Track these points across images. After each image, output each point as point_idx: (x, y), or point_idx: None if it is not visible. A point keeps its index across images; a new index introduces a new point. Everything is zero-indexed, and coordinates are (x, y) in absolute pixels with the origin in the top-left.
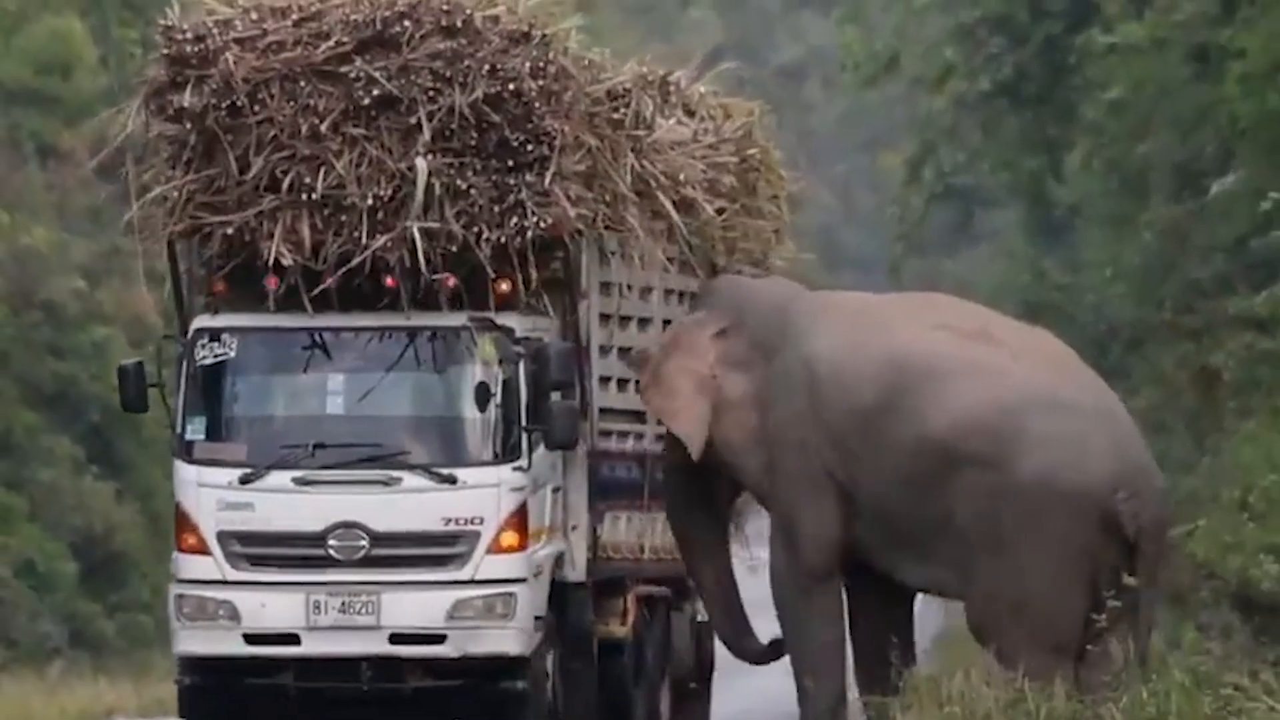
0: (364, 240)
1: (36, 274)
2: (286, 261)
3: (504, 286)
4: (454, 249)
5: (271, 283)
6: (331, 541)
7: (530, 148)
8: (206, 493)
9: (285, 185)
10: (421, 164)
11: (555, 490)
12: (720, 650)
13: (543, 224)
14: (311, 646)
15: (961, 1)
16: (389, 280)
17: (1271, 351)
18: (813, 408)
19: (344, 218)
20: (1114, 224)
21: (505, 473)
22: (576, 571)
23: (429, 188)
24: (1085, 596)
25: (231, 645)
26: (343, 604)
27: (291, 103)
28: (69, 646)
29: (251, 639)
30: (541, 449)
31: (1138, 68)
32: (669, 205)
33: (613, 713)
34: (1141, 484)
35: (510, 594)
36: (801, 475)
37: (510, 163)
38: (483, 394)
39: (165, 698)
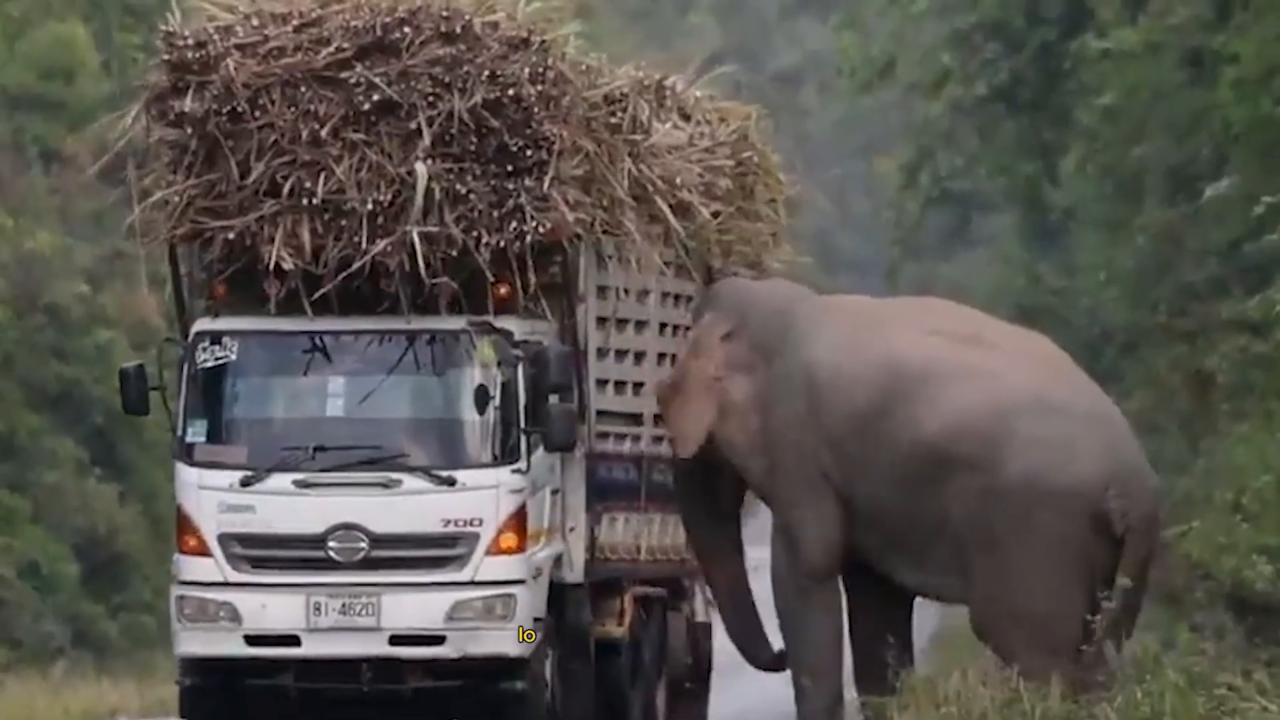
0: (364, 244)
1: (40, 277)
2: (287, 265)
3: (503, 290)
4: (453, 253)
5: (272, 287)
6: (331, 543)
7: (529, 153)
8: (207, 495)
9: (286, 190)
10: (421, 169)
11: (554, 492)
12: (719, 650)
13: (541, 228)
14: (312, 648)
15: (958, 7)
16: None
17: (1265, 355)
18: (811, 411)
19: (344, 222)
20: (1108, 228)
21: (504, 475)
22: (574, 572)
23: (429, 192)
24: (1082, 598)
25: (232, 646)
26: (343, 605)
27: (292, 108)
28: (72, 647)
29: (252, 640)
30: (540, 451)
31: (1132, 73)
32: (666, 209)
33: (609, 713)
34: (1133, 484)
35: (510, 595)
36: (800, 477)
37: (509, 167)
38: (482, 397)
39: (168, 698)
